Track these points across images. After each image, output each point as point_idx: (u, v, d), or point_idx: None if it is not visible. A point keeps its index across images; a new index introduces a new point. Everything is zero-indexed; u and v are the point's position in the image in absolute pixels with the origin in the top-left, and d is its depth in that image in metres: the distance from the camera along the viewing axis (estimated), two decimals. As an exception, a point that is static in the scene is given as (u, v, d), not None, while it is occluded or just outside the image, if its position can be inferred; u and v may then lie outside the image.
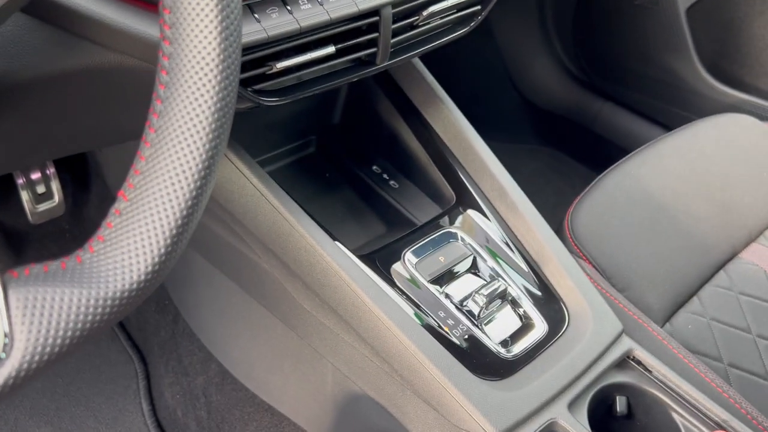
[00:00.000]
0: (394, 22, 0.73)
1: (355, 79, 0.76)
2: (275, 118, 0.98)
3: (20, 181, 1.15)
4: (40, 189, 1.19)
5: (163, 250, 0.41)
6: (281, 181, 0.78)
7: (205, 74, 0.41)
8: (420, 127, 0.91)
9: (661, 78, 1.45)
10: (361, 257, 0.77)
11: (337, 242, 0.75)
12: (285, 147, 1.00)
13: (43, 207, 1.19)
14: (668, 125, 1.46)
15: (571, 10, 1.58)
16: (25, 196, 1.16)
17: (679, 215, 0.98)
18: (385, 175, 0.96)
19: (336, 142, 1.02)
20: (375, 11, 0.70)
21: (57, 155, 0.83)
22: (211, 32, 0.41)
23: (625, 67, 1.52)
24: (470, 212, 0.85)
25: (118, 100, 0.68)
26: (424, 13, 0.76)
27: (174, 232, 0.41)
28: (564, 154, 1.67)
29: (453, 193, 0.87)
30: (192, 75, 0.41)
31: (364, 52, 0.74)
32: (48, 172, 1.19)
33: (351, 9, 0.68)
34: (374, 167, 0.97)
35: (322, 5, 0.66)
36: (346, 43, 0.71)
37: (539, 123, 1.69)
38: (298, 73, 0.70)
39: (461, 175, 0.87)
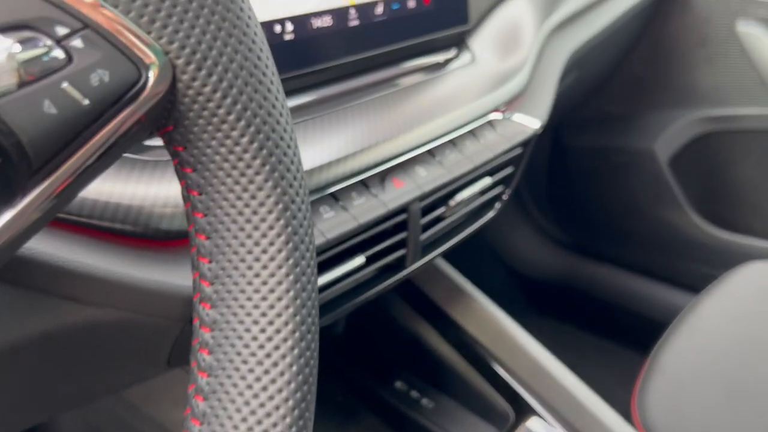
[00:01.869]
0: (422, 216, 0.62)
1: (386, 288, 0.62)
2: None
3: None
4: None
5: None
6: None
7: (274, 362, 0.26)
8: (449, 329, 0.77)
9: (655, 232, 1.38)
10: None
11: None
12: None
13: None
14: (673, 280, 1.38)
15: (544, 176, 1.54)
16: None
17: (753, 387, 0.85)
18: (413, 393, 0.79)
19: (344, 357, 0.86)
20: (403, 208, 0.59)
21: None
22: (280, 297, 0.27)
23: (613, 226, 1.45)
24: (535, 426, 0.69)
25: (91, 359, 0.51)
26: (452, 203, 0.65)
27: None
28: (566, 324, 1.54)
29: (508, 405, 0.72)
30: (253, 365, 0.26)
31: (393, 255, 0.61)
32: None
33: (380, 210, 0.56)
34: (397, 383, 0.81)
35: (347, 211, 0.54)
36: (375, 249, 0.58)
37: (533, 294, 1.58)
38: (322, 294, 0.56)
39: (514, 382, 0.72)
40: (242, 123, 0.26)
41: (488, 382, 0.73)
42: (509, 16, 0.77)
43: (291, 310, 0.26)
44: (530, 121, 0.72)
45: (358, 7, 0.59)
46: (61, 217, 0.40)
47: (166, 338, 0.49)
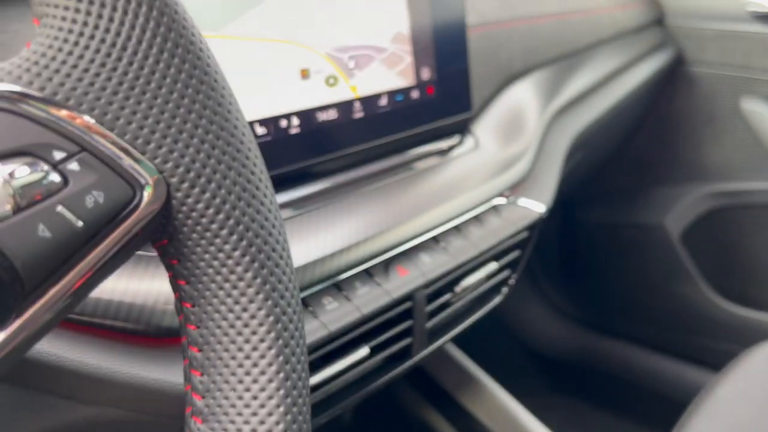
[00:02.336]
0: (427, 304, 0.62)
1: (393, 378, 0.61)
2: None
3: None
4: None
5: None
6: None
7: None
8: (459, 417, 0.75)
9: (669, 308, 1.36)
10: None
11: None
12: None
13: None
14: (690, 356, 1.35)
15: (555, 251, 1.54)
16: None
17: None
18: (423, 484, 0.77)
19: (352, 445, 0.84)
20: (408, 296, 0.59)
21: None
22: (271, 413, 0.26)
23: (628, 302, 1.43)
24: None
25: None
26: (458, 290, 0.65)
27: None
28: (581, 402, 1.50)
29: (521, 499, 0.69)
30: None
31: (399, 344, 0.61)
32: None
33: (384, 300, 0.56)
34: (406, 473, 0.79)
35: (350, 301, 0.54)
36: (379, 339, 0.58)
37: (547, 372, 1.55)
38: (326, 387, 0.55)
39: (527, 475, 0.70)
40: (234, 237, 0.26)
41: (500, 473, 0.71)
42: (512, 101, 0.79)
43: (281, 426, 0.26)
44: (535, 205, 0.73)
45: (363, 100, 0.60)
46: (62, 317, 0.40)
47: (166, 436, 0.48)
